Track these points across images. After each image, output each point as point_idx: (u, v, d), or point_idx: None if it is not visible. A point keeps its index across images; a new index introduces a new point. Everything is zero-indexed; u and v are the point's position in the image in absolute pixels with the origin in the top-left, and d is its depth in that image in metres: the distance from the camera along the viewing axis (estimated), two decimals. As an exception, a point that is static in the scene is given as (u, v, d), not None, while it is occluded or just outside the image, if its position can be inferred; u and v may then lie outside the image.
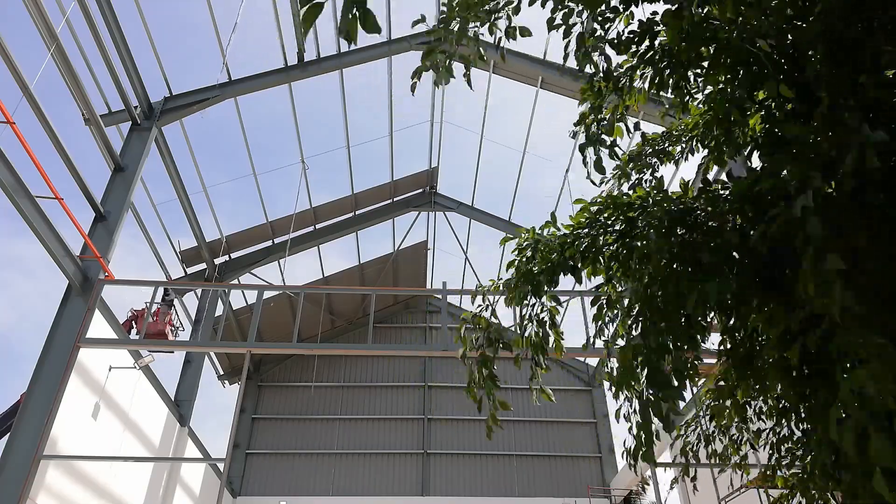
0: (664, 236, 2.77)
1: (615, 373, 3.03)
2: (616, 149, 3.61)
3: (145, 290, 13.20)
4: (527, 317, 3.77)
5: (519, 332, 3.88)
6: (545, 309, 3.80)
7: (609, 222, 3.39)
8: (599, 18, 3.23)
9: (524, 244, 3.79)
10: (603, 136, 3.51)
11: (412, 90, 3.42)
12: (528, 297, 3.59)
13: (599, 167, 3.48)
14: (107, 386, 11.96)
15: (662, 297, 2.67)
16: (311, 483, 20.80)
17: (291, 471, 21.04)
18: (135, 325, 12.94)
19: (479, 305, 4.06)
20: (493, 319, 4.06)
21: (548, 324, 3.82)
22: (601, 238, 3.37)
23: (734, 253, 2.66)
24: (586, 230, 3.49)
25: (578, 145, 3.53)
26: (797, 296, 2.12)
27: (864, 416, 1.92)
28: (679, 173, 13.93)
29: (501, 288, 3.84)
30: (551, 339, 3.85)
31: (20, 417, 9.63)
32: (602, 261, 3.33)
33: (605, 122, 3.59)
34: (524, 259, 3.71)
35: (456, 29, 3.29)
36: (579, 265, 3.41)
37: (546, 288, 3.54)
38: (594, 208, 3.57)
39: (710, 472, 10.88)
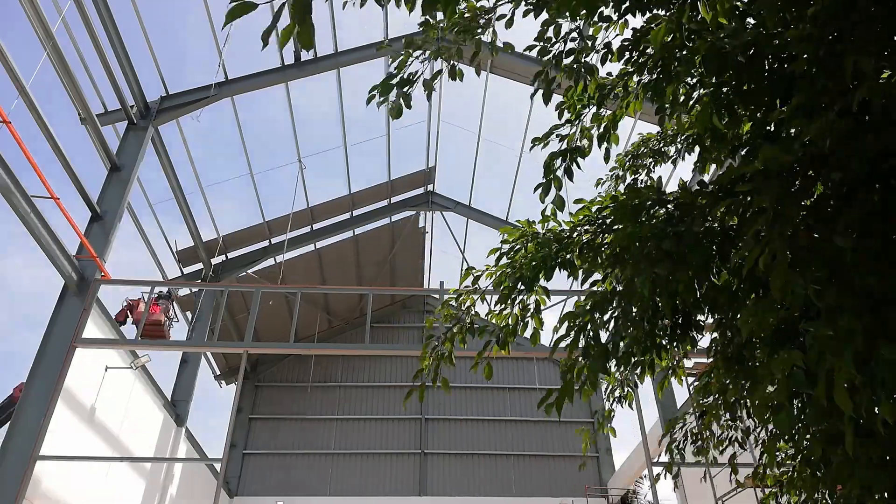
0: (634, 223, 2.78)
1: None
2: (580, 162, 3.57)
3: (143, 289, 13.17)
4: (510, 301, 3.66)
5: (498, 311, 3.75)
6: (532, 298, 3.71)
7: (608, 222, 3.38)
8: (590, 31, 3.25)
9: (518, 236, 3.75)
10: (578, 145, 3.48)
11: (367, 103, 3.33)
12: (517, 290, 3.52)
13: (570, 174, 3.47)
14: (103, 386, 11.94)
15: (625, 287, 2.67)
16: (309, 483, 20.78)
17: (288, 471, 21.02)
18: (130, 315, 12.81)
19: (467, 287, 3.94)
20: (478, 302, 3.92)
21: (531, 311, 3.70)
22: (601, 237, 3.36)
23: (704, 241, 2.65)
24: (585, 227, 3.48)
25: (549, 154, 3.48)
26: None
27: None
28: (676, 174, 13.96)
29: (493, 276, 3.72)
30: (531, 326, 3.72)
31: (16, 418, 9.60)
32: (600, 259, 3.32)
33: (581, 135, 3.55)
34: (517, 252, 3.63)
35: (431, 49, 3.24)
36: (577, 262, 3.40)
37: (539, 283, 3.49)
38: (594, 207, 3.57)
39: (707, 471, 10.90)
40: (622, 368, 3.54)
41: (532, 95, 3.68)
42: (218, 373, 21.49)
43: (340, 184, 19.19)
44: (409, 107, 3.20)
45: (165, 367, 28.08)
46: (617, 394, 5.10)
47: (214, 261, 18.09)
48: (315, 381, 22.70)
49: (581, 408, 22.40)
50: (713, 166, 3.58)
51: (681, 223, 2.64)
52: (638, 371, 3.59)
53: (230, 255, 18.64)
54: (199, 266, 17.73)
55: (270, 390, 22.86)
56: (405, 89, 3.14)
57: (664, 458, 15.45)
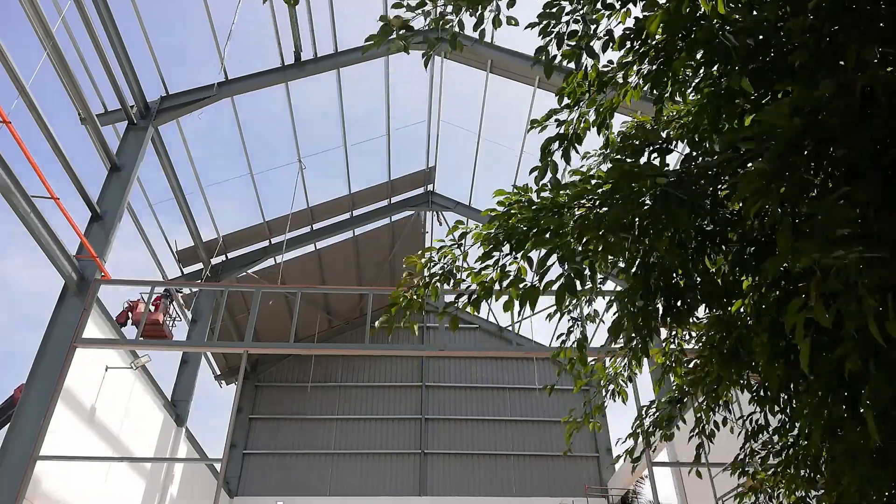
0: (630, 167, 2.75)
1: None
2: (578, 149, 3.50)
3: (142, 290, 13.18)
4: (492, 262, 3.44)
5: (478, 269, 3.52)
6: (516, 261, 3.46)
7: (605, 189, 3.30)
8: (593, 16, 3.23)
9: (514, 200, 3.54)
10: (577, 133, 3.45)
11: (362, 52, 3.22)
12: (503, 248, 3.40)
13: (567, 157, 3.41)
14: (103, 386, 11.94)
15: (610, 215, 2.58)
16: (309, 483, 20.77)
17: (288, 471, 21.01)
18: (131, 315, 12.81)
19: (453, 240, 3.73)
20: (460, 259, 3.74)
21: (510, 278, 3.43)
22: (597, 210, 3.30)
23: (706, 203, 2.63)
24: (584, 200, 3.40)
25: (546, 138, 3.42)
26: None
27: None
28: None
29: (481, 236, 3.51)
30: (511, 301, 3.44)
31: (16, 418, 9.60)
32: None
33: (578, 120, 3.50)
34: (511, 217, 3.49)
35: (436, 14, 3.19)
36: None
37: (527, 249, 3.36)
38: (594, 181, 3.50)
39: (707, 470, 10.90)
40: (616, 338, 3.42)
41: (532, 65, 3.57)
42: (218, 373, 21.48)
43: (340, 184, 19.22)
44: (406, 52, 3.15)
45: (165, 367, 28.11)
46: (611, 388, 5.08)
47: (214, 261, 18.08)
48: (315, 381, 22.68)
49: (581, 408, 22.32)
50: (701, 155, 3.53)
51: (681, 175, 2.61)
52: (633, 362, 3.56)
53: (230, 255, 18.63)
54: (199, 266, 17.72)
55: (270, 390, 22.84)
56: (406, 35, 3.09)
57: (663, 457, 15.47)
